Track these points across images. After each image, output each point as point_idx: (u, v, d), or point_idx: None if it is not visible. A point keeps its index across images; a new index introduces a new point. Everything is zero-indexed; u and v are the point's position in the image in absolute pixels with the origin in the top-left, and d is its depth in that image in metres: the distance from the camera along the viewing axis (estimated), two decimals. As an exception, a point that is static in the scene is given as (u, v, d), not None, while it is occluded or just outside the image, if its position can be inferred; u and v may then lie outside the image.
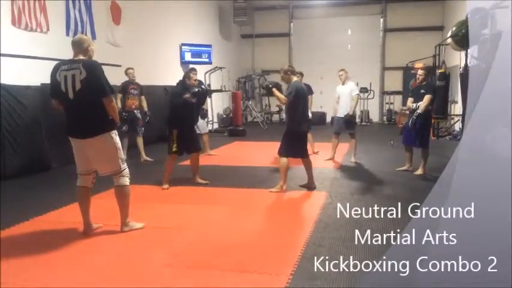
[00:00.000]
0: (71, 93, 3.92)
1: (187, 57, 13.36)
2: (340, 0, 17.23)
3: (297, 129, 5.87)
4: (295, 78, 5.91)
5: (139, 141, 8.49)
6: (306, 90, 6.12)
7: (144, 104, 8.47)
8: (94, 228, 4.31)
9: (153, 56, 11.39)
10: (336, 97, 8.30)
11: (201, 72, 10.43)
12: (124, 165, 4.22)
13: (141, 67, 8.68)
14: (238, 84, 17.38)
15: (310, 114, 8.66)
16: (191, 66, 9.84)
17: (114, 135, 4.13)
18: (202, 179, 6.37)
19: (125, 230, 4.29)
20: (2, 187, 6.13)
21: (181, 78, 6.25)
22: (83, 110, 3.97)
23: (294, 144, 5.87)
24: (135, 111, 8.31)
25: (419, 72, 7.20)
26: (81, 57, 4.01)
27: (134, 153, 8.49)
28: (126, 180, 4.25)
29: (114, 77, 8.64)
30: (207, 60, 13.78)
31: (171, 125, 6.09)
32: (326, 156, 8.54)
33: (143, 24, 11.09)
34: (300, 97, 5.82)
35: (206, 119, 10.07)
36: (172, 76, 12.45)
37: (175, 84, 6.39)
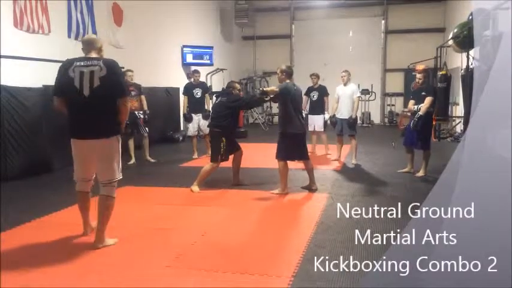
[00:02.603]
0: (87, 89, 3.73)
1: (189, 58, 13.38)
2: (342, 0, 17.23)
3: (288, 130, 5.80)
4: (289, 81, 5.84)
5: (145, 141, 8.46)
6: (297, 91, 5.91)
7: (144, 103, 8.33)
8: (93, 228, 4.21)
9: (154, 57, 11.42)
10: (335, 97, 8.32)
11: (202, 74, 10.44)
12: (120, 175, 4.04)
13: (143, 69, 8.71)
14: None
15: (326, 116, 8.77)
16: (194, 68, 9.89)
17: (120, 140, 4.01)
18: (243, 181, 6.47)
19: (99, 247, 3.92)
20: (3, 188, 6.13)
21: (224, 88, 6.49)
22: (98, 109, 3.79)
23: (289, 147, 5.80)
24: (136, 112, 8.17)
25: (418, 76, 7.16)
26: (95, 55, 3.88)
27: (137, 154, 8.49)
28: (115, 191, 4.02)
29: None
30: (208, 61, 13.80)
31: (222, 134, 6.10)
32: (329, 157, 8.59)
33: (145, 26, 11.12)
34: (289, 97, 5.74)
35: (208, 120, 10.09)
36: (173, 78, 12.52)
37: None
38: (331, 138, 8.94)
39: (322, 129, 8.96)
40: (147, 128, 8.41)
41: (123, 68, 8.96)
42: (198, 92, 8.84)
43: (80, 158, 3.99)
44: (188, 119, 8.88)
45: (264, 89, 6.31)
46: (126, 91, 3.95)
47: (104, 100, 3.80)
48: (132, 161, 8.27)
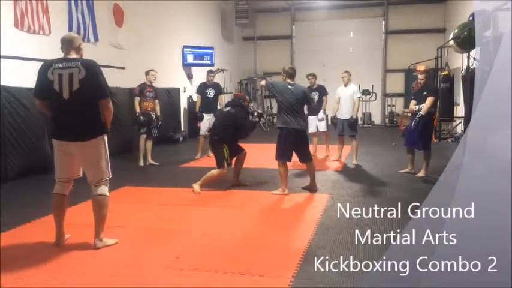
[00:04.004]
0: (66, 93, 3.64)
1: (190, 59, 13.38)
2: (342, 1, 17.23)
3: (278, 125, 5.88)
4: (288, 81, 5.90)
5: (149, 144, 8.32)
6: (294, 90, 5.84)
7: (158, 108, 8.30)
8: (66, 238, 4.08)
9: (155, 58, 11.39)
10: (336, 98, 8.31)
11: (202, 74, 10.46)
12: (109, 174, 3.98)
13: (143, 69, 8.66)
14: (240, 87, 17.40)
15: (322, 115, 8.75)
16: (209, 68, 9.97)
17: (105, 139, 3.94)
18: (244, 182, 6.47)
19: (99, 247, 3.89)
20: (3, 189, 6.13)
21: (234, 100, 6.62)
22: (79, 112, 3.71)
23: (283, 145, 5.79)
24: (151, 113, 8.16)
25: (420, 77, 7.14)
26: (74, 55, 3.79)
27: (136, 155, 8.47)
28: (107, 190, 3.94)
29: (116, 80, 8.68)
30: (209, 62, 13.78)
31: (223, 141, 6.13)
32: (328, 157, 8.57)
33: (145, 27, 11.12)
34: (275, 93, 5.83)
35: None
36: (174, 78, 12.52)
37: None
38: (332, 139, 8.93)
39: (326, 129, 8.90)
40: (157, 132, 8.34)
41: (124, 68, 9.03)
42: (210, 92, 8.99)
43: (62, 159, 3.90)
44: (199, 118, 9.00)
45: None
46: (107, 92, 3.83)
47: (85, 102, 3.72)
48: (141, 163, 8.20)
